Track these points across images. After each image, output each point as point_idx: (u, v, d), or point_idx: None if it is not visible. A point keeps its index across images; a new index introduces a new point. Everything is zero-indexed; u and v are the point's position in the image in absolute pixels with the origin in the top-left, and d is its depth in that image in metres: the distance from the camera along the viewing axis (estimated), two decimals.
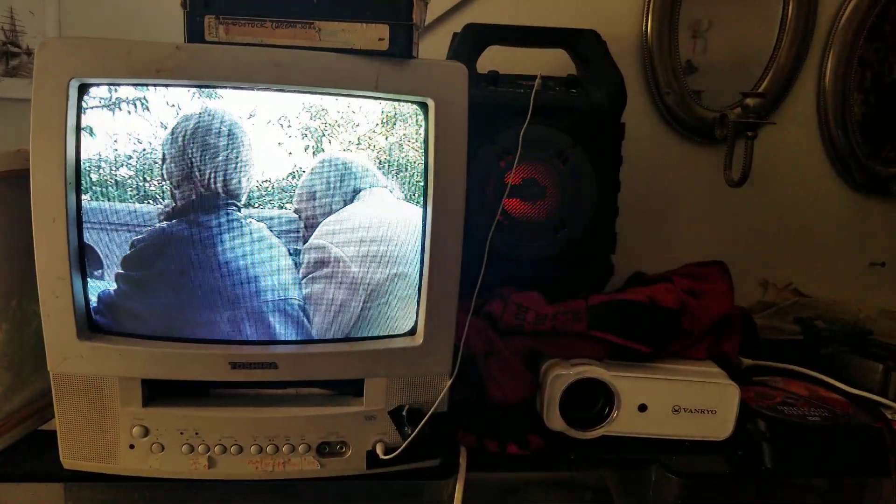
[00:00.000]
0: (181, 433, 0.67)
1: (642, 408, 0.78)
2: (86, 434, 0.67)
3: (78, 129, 0.61)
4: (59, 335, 0.64)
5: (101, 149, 0.63)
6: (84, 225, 0.64)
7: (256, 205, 0.66)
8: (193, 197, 0.64)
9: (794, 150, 1.24)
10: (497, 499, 0.82)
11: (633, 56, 1.16)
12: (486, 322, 0.82)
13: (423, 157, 0.67)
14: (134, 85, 0.62)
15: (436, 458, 0.73)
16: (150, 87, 0.63)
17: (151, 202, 0.64)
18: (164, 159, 0.64)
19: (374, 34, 0.64)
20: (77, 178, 0.62)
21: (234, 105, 0.64)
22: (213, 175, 0.64)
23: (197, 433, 0.67)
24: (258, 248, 0.66)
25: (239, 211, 0.65)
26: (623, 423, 0.78)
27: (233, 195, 0.65)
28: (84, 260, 0.64)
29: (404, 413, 0.70)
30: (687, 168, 1.22)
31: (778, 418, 0.78)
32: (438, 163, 0.66)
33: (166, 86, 0.62)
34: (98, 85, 0.62)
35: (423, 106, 0.66)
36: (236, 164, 0.65)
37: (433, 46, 1.07)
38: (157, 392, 0.67)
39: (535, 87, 0.88)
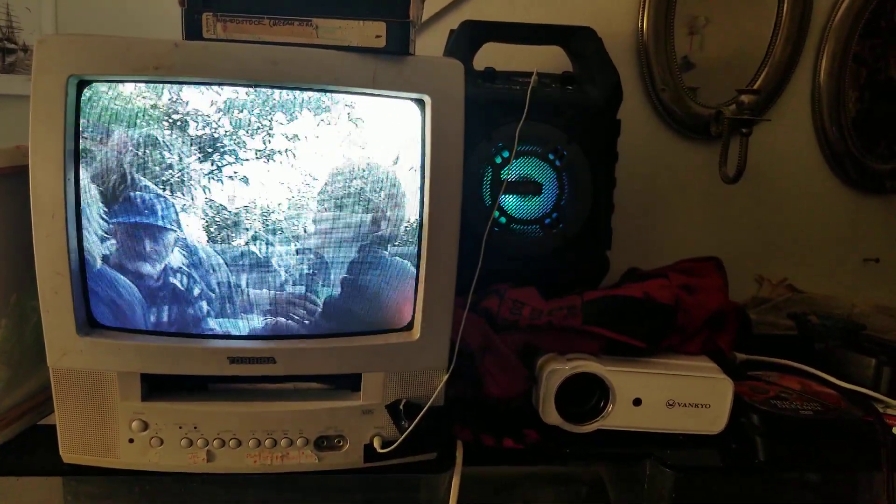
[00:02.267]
0: (180, 427, 0.68)
1: (637, 402, 0.79)
2: (85, 428, 0.67)
3: (77, 125, 0.62)
4: (59, 330, 0.64)
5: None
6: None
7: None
8: None
9: (788, 147, 1.25)
10: (493, 492, 0.82)
11: (629, 53, 1.17)
12: (482, 317, 0.82)
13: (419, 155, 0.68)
14: (132, 82, 0.62)
15: (432, 452, 0.74)
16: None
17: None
18: None
19: (371, 31, 0.64)
20: (76, 174, 0.62)
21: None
22: None
23: (196, 427, 0.68)
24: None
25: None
26: (618, 417, 0.79)
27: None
28: (83, 255, 0.64)
29: (401, 407, 0.70)
30: (682, 164, 1.23)
31: (771, 412, 0.79)
32: (435, 159, 0.67)
33: (164, 82, 0.63)
34: (96, 81, 0.62)
35: (420, 103, 0.67)
36: None
37: (430, 43, 1.07)
38: (156, 387, 0.68)
39: (532, 83, 0.89)
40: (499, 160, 0.89)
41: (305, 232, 0.67)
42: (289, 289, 0.68)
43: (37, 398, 0.75)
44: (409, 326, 0.70)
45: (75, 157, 0.62)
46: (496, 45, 0.99)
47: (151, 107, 0.63)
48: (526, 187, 0.90)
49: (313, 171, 0.66)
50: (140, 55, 0.61)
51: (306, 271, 0.68)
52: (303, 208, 0.67)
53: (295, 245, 0.68)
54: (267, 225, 0.67)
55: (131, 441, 0.68)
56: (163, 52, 0.61)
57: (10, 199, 0.68)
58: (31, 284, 0.64)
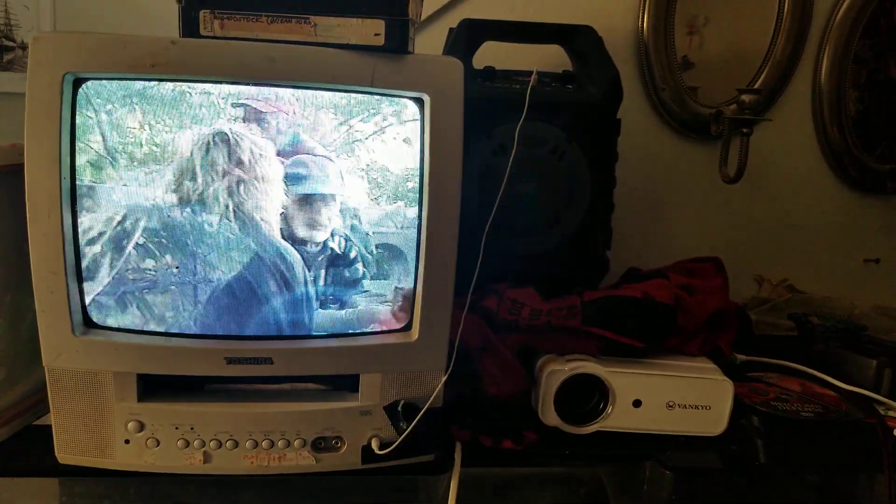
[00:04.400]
0: (176, 428, 0.67)
1: (637, 403, 0.78)
2: (81, 429, 0.67)
3: (73, 123, 0.61)
4: (54, 330, 0.64)
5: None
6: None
7: None
8: None
9: (789, 147, 1.25)
10: (492, 494, 0.82)
11: (629, 52, 1.16)
12: (481, 318, 0.82)
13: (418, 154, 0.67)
14: (128, 80, 0.62)
15: (431, 454, 0.73)
16: None
17: None
18: None
19: (370, 29, 0.64)
20: (72, 173, 0.62)
21: None
22: None
23: (192, 428, 0.67)
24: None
25: None
26: (617, 418, 0.78)
27: None
28: (79, 254, 0.64)
29: (399, 408, 0.70)
30: (682, 164, 1.22)
31: (771, 414, 0.78)
32: (434, 158, 0.66)
33: (160, 80, 0.62)
34: (92, 79, 0.61)
35: (419, 101, 0.66)
36: None
37: (429, 42, 1.07)
38: (153, 387, 0.67)
39: (531, 82, 0.88)
40: (498, 159, 0.88)
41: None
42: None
43: (32, 398, 0.75)
44: (408, 327, 0.70)
45: (71, 155, 0.62)
46: (496, 44, 0.98)
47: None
48: (525, 187, 0.89)
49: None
50: (136, 53, 0.60)
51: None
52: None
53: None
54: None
55: (127, 442, 0.67)
56: (159, 50, 0.61)
57: (5, 197, 0.68)
58: (27, 283, 0.63)
